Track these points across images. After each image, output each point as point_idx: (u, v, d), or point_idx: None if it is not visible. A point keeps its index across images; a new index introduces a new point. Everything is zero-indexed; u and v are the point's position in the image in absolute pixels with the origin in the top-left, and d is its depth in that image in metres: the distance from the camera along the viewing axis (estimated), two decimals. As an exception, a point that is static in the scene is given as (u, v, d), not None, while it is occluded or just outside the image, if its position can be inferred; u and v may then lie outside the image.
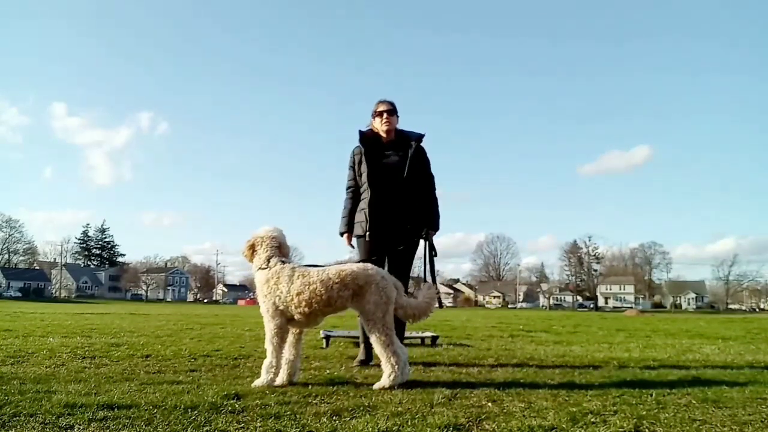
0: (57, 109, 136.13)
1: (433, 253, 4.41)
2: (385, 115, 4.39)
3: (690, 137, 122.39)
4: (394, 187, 4.33)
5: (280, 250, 3.62)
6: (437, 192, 4.56)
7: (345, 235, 4.50)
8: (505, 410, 2.78)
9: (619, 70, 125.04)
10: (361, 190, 4.45)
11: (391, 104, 4.44)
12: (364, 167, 4.39)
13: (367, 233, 4.31)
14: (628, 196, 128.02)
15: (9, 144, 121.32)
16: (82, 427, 2.35)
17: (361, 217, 4.40)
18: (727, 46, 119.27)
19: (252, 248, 3.63)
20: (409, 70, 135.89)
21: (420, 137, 4.48)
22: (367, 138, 4.46)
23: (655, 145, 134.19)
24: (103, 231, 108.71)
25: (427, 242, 4.41)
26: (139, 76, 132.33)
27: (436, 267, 4.55)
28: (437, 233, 4.50)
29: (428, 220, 4.45)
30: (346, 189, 4.58)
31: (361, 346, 4.50)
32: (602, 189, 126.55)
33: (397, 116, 4.48)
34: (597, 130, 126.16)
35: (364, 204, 4.38)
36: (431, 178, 4.53)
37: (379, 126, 4.44)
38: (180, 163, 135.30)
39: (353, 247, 4.50)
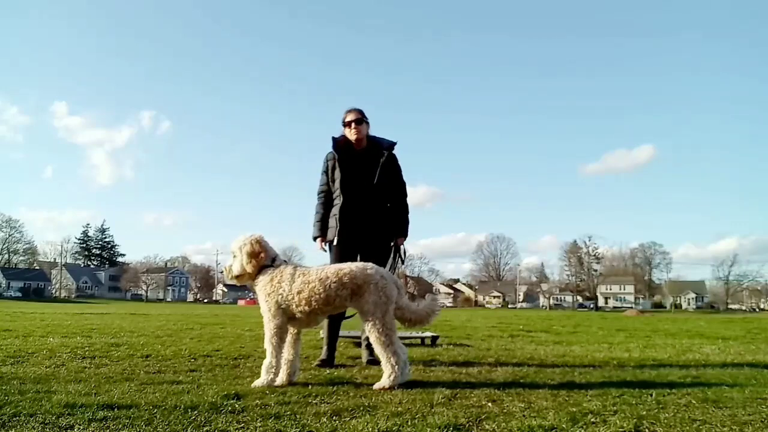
0: (58, 109, 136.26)
1: (401, 261, 4.52)
2: (353, 125, 4.44)
3: (694, 136, 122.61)
4: (365, 194, 4.42)
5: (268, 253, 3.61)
6: (407, 199, 4.66)
7: (318, 240, 4.56)
8: (505, 410, 2.78)
9: (622, 69, 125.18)
10: (334, 196, 4.54)
11: (360, 112, 4.49)
12: (337, 174, 4.47)
13: (336, 238, 4.39)
14: (631, 195, 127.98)
15: (10, 143, 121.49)
16: (82, 427, 2.35)
17: (333, 222, 4.48)
18: (732, 46, 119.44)
19: (261, 252, 3.54)
20: (411, 70, 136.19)
21: (391, 145, 4.56)
22: (340, 145, 4.52)
23: (659, 145, 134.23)
24: (103, 231, 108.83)
25: (396, 249, 4.52)
26: (141, 74, 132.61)
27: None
28: (406, 240, 4.62)
29: (398, 228, 4.56)
30: (318, 194, 4.64)
31: (325, 347, 4.46)
32: (605, 189, 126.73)
33: (367, 123, 4.53)
34: (602, 128, 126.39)
35: (336, 210, 4.47)
36: (403, 186, 4.63)
37: (350, 135, 4.49)
38: (181, 163, 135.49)
39: (325, 250, 4.56)
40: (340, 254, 4.37)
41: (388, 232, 4.51)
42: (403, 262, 4.58)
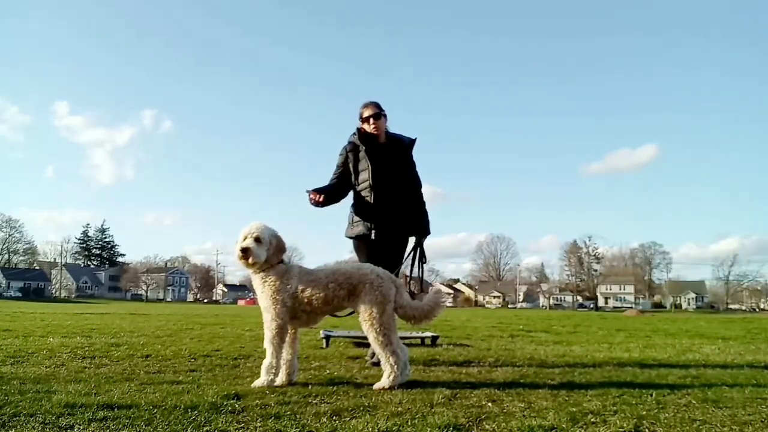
0: (59, 108, 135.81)
1: (423, 260, 4.43)
2: (371, 120, 4.36)
3: (697, 136, 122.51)
4: (397, 189, 4.37)
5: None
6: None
7: (311, 191, 4.16)
8: (505, 410, 2.78)
9: (625, 69, 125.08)
10: (359, 189, 4.41)
11: (377, 106, 4.40)
12: (364, 164, 4.36)
13: (373, 231, 4.30)
14: (632, 195, 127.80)
15: (10, 143, 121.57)
16: (82, 427, 2.35)
17: (361, 216, 4.38)
18: (735, 46, 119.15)
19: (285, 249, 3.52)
20: (411, 69, 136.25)
21: (412, 142, 4.52)
22: (365, 136, 4.42)
23: (662, 144, 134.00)
24: (103, 231, 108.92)
25: (420, 248, 4.43)
26: (142, 74, 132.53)
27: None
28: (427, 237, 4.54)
29: (423, 225, 4.49)
30: (332, 179, 4.46)
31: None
32: (606, 189, 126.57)
33: (385, 117, 4.44)
34: (605, 128, 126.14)
35: (365, 203, 4.36)
36: (420, 181, 4.58)
37: (368, 131, 4.41)
38: (182, 163, 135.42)
39: (312, 199, 4.18)
40: (375, 250, 4.29)
41: (416, 229, 4.45)
42: (425, 261, 4.47)
